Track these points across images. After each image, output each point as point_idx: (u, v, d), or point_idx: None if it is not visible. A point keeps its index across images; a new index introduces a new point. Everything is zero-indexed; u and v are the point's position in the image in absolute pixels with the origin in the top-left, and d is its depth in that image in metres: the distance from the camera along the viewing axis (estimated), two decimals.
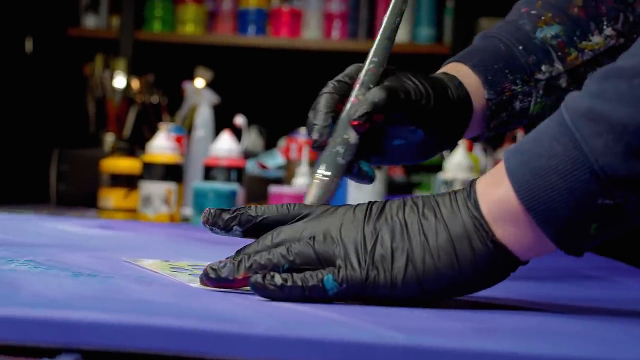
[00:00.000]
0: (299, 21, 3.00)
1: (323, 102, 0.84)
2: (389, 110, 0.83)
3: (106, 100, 2.38)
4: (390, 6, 0.88)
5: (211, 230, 0.74)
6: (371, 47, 0.87)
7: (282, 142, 2.49)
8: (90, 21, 3.08)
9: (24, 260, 0.80)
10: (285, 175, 2.05)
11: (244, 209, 0.74)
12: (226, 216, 0.73)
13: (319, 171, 0.82)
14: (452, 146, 0.92)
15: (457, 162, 2.05)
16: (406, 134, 0.87)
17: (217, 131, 2.16)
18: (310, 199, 0.80)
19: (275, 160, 2.37)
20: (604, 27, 0.96)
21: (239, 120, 1.99)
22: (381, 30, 0.87)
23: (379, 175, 1.96)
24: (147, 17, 3.04)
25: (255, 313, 0.61)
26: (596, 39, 0.96)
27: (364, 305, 0.68)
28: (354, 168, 0.83)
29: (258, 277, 0.68)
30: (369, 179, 0.84)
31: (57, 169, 2.17)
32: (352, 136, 0.83)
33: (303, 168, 1.92)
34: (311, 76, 3.31)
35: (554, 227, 0.67)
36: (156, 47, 3.02)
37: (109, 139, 2.31)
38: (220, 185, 1.76)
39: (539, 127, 0.69)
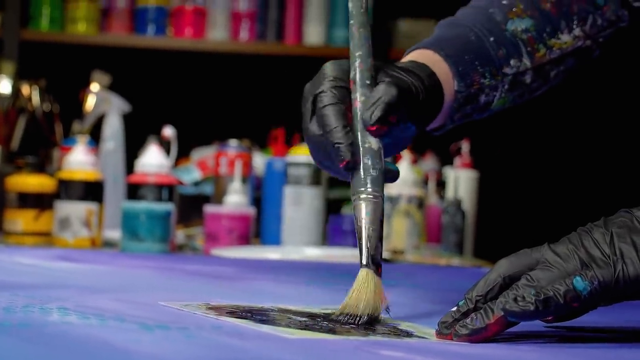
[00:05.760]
0: (203, 20, 2.93)
1: (334, 116, 0.81)
2: (401, 108, 0.82)
3: None
4: None
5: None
6: (347, 42, 0.85)
7: (196, 154, 2.42)
8: None
9: (58, 308, 0.74)
10: (215, 193, 1.98)
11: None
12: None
13: (359, 189, 0.80)
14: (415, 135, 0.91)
15: (402, 177, 2.02)
16: (397, 132, 0.86)
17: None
18: (367, 223, 0.79)
19: (191, 175, 2.30)
20: (574, 26, 1.01)
21: (168, 131, 1.92)
22: (353, 20, 0.85)
23: (318, 192, 1.92)
24: (34, 15, 2.91)
25: None
26: (565, 37, 1.01)
27: None
28: None
29: (511, 305, 0.70)
30: (393, 176, 0.84)
31: None
32: (373, 142, 0.82)
33: (236, 184, 1.85)
34: (218, 80, 3.26)
35: None
36: (45, 48, 2.90)
37: None
38: (153, 206, 1.69)
39: None
